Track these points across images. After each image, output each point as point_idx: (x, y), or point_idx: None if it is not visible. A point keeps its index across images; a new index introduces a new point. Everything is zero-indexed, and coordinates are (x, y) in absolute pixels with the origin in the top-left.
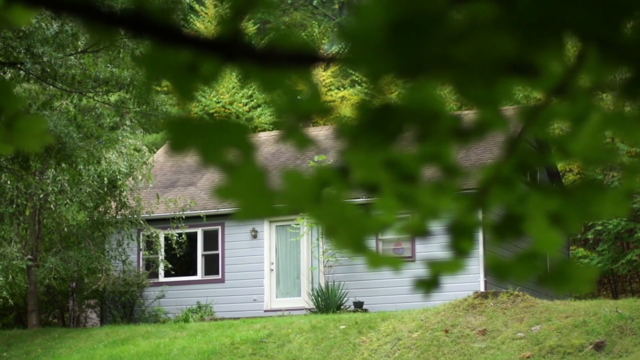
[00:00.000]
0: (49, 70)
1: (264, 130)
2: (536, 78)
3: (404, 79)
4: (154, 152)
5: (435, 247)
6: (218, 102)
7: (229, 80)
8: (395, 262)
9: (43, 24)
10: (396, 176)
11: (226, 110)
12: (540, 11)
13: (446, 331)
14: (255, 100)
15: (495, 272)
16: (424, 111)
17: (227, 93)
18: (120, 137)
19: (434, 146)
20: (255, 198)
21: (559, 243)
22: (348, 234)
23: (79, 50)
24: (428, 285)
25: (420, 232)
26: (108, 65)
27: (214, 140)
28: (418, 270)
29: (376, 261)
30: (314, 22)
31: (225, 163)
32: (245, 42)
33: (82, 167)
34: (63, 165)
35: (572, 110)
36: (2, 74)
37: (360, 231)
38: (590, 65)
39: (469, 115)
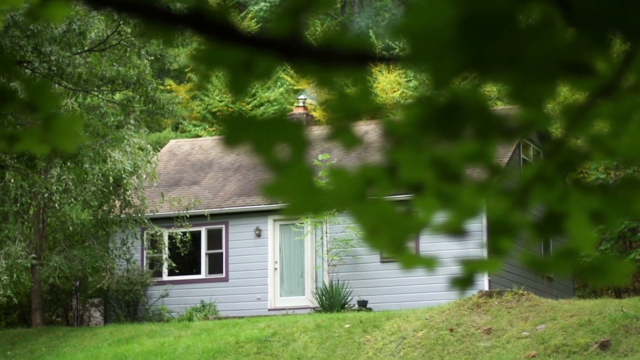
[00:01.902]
0: (55, 69)
1: None
2: (590, 77)
3: (468, 77)
4: (158, 151)
5: (440, 247)
6: (221, 101)
7: None
8: (430, 263)
9: (51, 23)
10: (441, 175)
11: (229, 109)
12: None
13: (451, 330)
14: (258, 99)
15: (533, 268)
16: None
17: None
18: (126, 136)
19: (480, 145)
20: (303, 195)
21: (595, 241)
22: (389, 234)
23: (86, 48)
24: (463, 283)
25: (457, 232)
26: (114, 64)
27: (267, 135)
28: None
29: (411, 262)
30: (316, 20)
31: (276, 160)
32: (304, 41)
33: (88, 166)
34: (69, 164)
35: (616, 110)
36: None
37: (401, 231)
38: (637, 64)
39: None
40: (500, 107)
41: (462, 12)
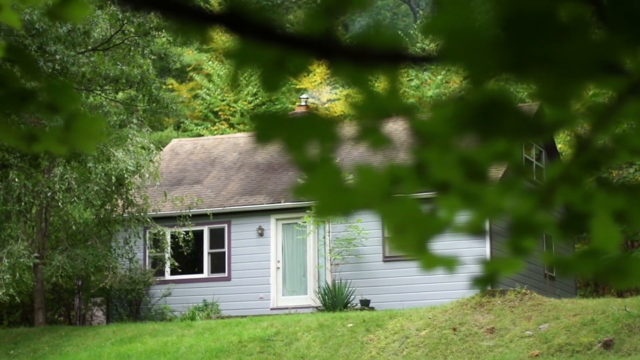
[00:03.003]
0: (59, 68)
1: None
2: (620, 77)
3: (507, 76)
4: (161, 150)
5: (440, 246)
6: (223, 100)
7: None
8: (450, 263)
9: (57, 22)
10: (467, 174)
11: (231, 108)
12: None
13: (454, 329)
14: (260, 98)
15: (556, 268)
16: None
17: (232, 91)
18: (129, 135)
19: (507, 144)
20: (332, 195)
21: (619, 240)
22: (415, 233)
23: (90, 48)
24: (484, 282)
25: (479, 232)
26: (118, 63)
27: (299, 133)
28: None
29: (431, 262)
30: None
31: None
32: (339, 40)
33: (92, 165)
34: (73, 163)
35: None
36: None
37: (426, 231)
38: None
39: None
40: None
41: (503, 11)
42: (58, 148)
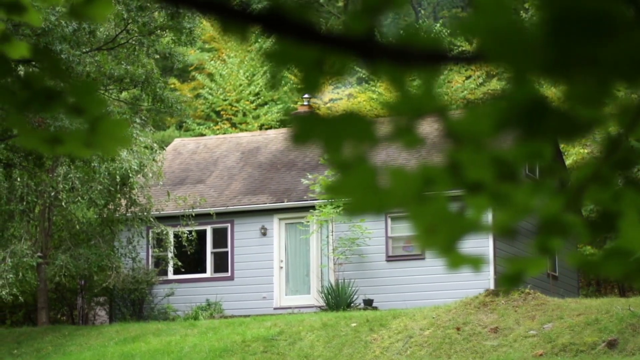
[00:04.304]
0: (64, 67)
1: (271, 127)
2: None
3: (552, 76)
4: (164, 150)
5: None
6: (225, 100)
7: (236, 78)
8: (477, 262)
9: (62, 22)
10: (499, 174)
11: (233, 108)
12: None
13: (458, 329)
14: (262, 98)
15: (583, 269)
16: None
17: (234, 90)
18: (134, 135)
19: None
20: (366, 195)
21: None
22: (444, 233)
23: (94, 47)
24: (511, 281)
25: (508, 232)
26: (122, 62)
27: (338, 132)
28: (429, 268)
29: (457, 261)
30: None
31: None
32: (379, 40)
33: (96, 165)
34: (77, 162)
35: None
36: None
37: (455, 231)
38: None
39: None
40: None
41: (551, 11)
42: (82, 151)
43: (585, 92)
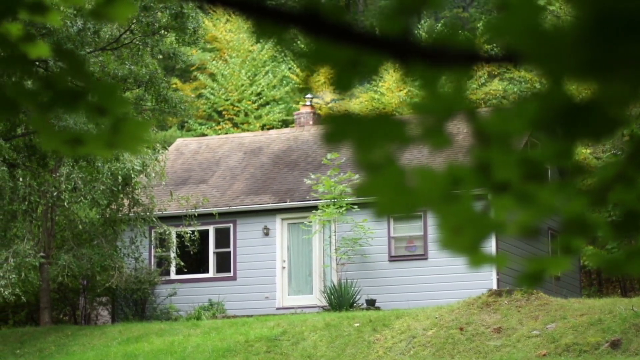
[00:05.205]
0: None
1: (273, 127)
2: None
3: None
4: (166, 150)
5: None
6: (227, 100)
7: (238, 78)
8: (500, 261)
9: (68, 22)
10: (525, 174)
11: (235, 108)
12: None
13: (461, 329)
14: (264, 98)
15: (605, 268)
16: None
17: (236, 90)
18: None
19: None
20: (394, 195)
21: None
22: (470, 233)
23: (98, 47)
24: (531, 280)
25: (531, 232)
26: (126, 62)
27: (371, 133)
28: (431, 268)
29: (480, 260)
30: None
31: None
32: (415, 40)
33: (100, 165)
34: (81, 162)
35: None
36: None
37: (480, 231)
38: None
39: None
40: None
41: (591, 10)
42: (103, 152)
43: (618, 92)
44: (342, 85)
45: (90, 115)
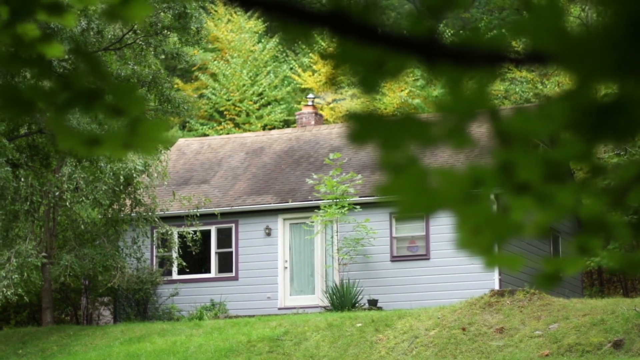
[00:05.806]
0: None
1: (274, 127)
2: None
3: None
4: (168, 150)
5: (446, 245)
6: (228, 100)
7: (239, 78)
8: (515, 262)
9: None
10: (547, 175)
11: (236, 108)
12: None
13: (463, 329)
14: (265, 98)
15: (625, 269)
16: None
17: (238, 90)
18: None
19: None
20: (416, 195)
21: None
22: (490, 234)
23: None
24: (548, 280)
25: (545, 233)
26: (129, 62)
27: (396, 133)
28: (433, 268)
29: (495, 261)
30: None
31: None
32: (442, 41)
33: (103, 165)
34: (84, 162)
35: None
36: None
37: (499, 232)
38: None
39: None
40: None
41: (624, 14)
42: (119, 152)
43: None
44: (368, 85)
45: (107, 116)
